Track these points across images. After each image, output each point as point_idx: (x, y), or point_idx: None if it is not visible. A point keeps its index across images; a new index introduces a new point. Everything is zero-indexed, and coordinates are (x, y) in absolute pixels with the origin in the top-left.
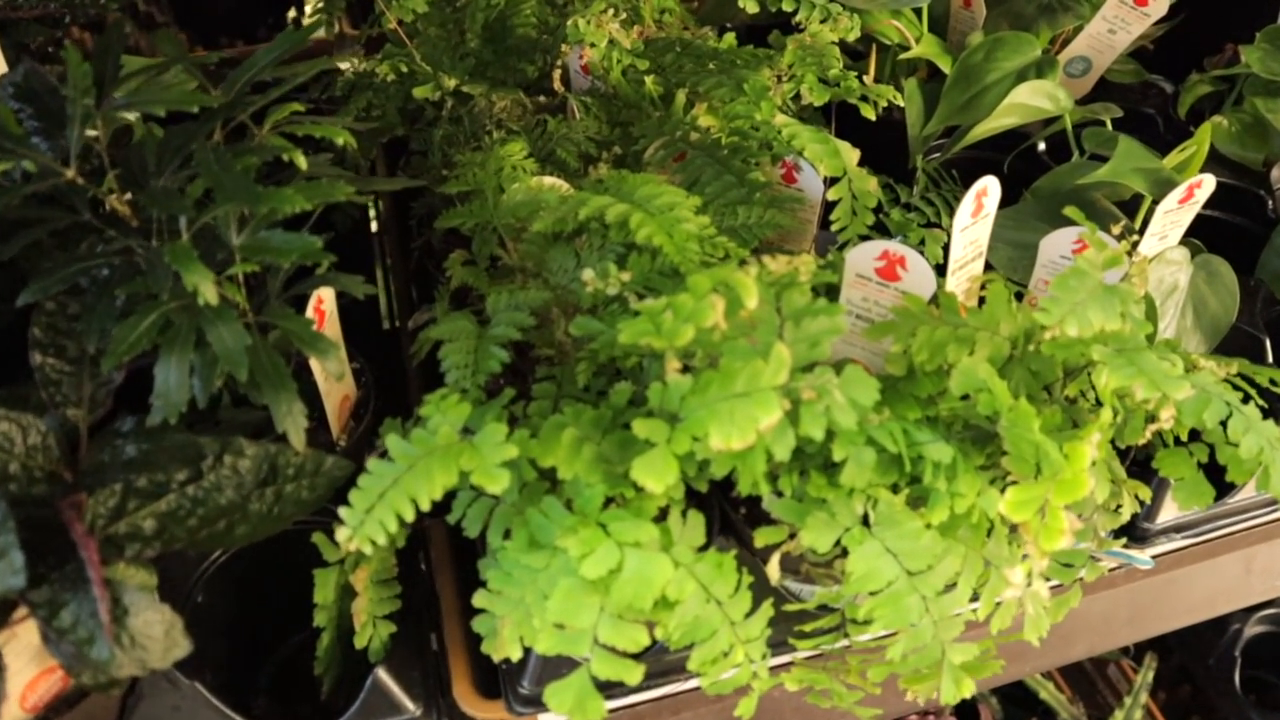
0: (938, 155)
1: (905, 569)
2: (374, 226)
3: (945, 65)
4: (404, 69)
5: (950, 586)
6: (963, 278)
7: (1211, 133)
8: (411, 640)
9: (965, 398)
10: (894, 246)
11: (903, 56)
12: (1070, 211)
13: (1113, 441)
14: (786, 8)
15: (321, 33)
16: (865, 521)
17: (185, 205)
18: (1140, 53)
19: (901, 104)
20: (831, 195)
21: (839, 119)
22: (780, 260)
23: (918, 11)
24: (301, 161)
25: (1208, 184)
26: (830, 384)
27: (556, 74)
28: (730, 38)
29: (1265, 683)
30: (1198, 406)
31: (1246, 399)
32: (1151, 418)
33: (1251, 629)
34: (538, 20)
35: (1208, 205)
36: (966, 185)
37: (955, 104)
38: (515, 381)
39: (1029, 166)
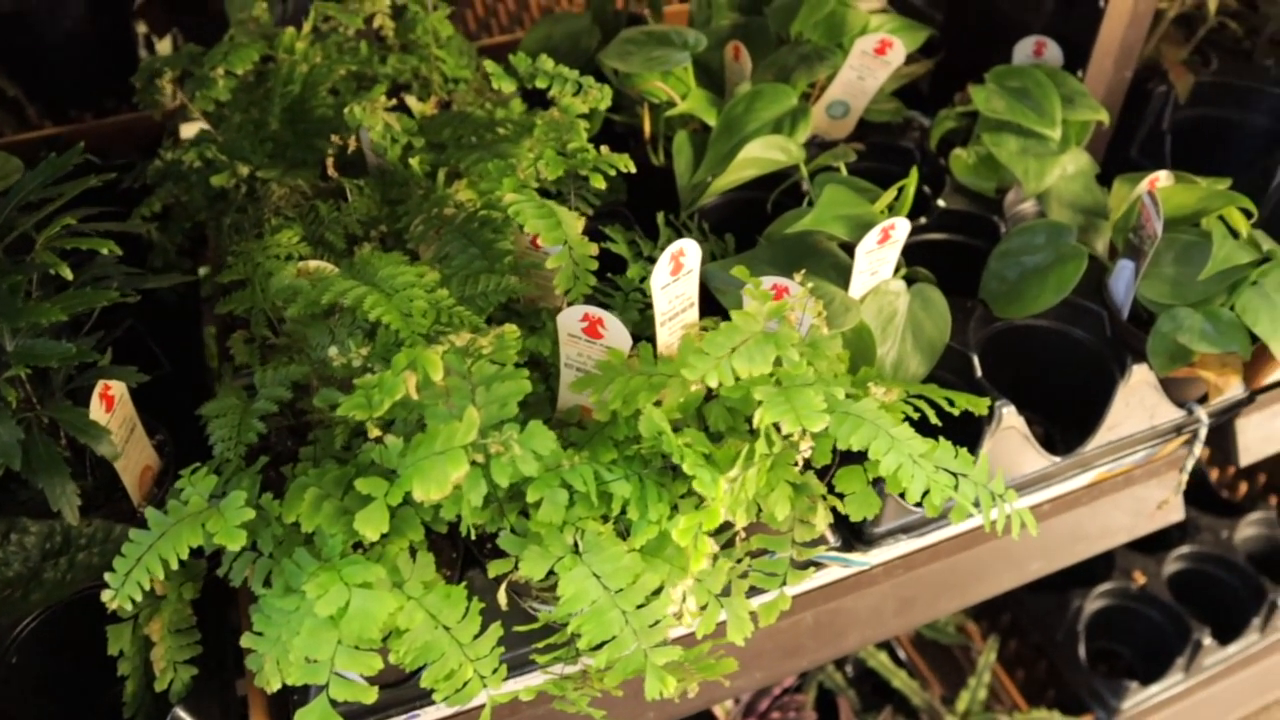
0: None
1: (607, 588)
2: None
3: (710, 118)
4: (209, 155)
5: (652, 598)
6: (675, 327)
7: (954, 164)
8: (215, 680)
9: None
10: (592, 310)
11: (668, 114)
12: (738, 271)
13: (808, 463)
14: (541, 85)
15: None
16: (578, 550)
17: None
18: (912, 90)
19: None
20: (551, 264)
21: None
22: (463, 336)
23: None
24: (66, 273)
25: (901, 226)
26: (512, 439)
27: (353, 143)
28: (516, 104)
29: (1116, 653)
30: (846, 431)
31: (925, 409)
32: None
33: (1092, 604)
34: (334, 102)
35: (952, 231)
36: (726, 229)
37: (720, 154)
38: (298, 443)
39: (792, 200)
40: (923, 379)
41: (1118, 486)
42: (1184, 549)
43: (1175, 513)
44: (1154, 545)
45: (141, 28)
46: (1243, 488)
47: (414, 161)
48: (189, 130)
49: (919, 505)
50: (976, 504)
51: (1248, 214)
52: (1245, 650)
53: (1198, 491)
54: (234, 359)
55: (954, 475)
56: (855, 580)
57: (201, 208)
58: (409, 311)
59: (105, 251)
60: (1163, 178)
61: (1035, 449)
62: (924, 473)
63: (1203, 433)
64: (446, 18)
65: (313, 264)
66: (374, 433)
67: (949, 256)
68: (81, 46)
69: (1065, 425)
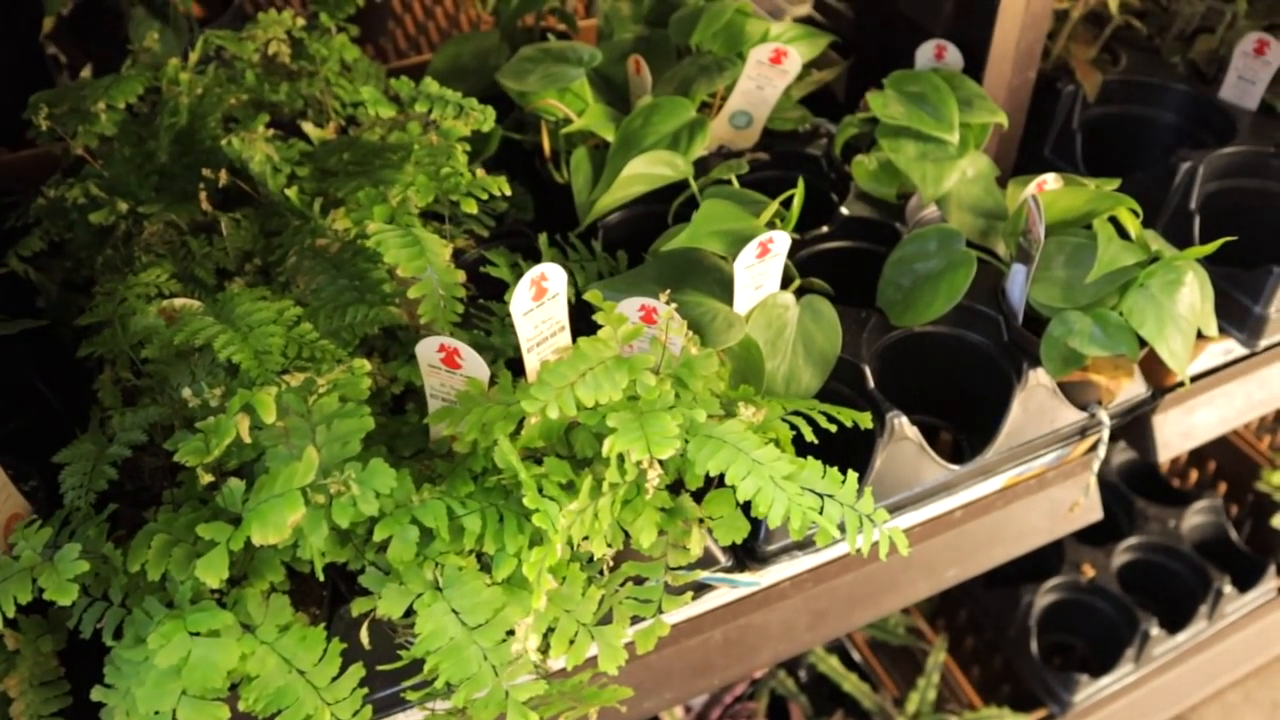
0: (616, 215)
1: (465, 624)
2: None
3: (608, 133)
4: (93, 191)
5: (510, 634)
6: (545, 352)
7: (855, 171)
8: None
9: None
10: (448, 340)
11: (564, 130)
12: (590, 296)
13: (682, 485)
14: (420, 109)
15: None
16: (439, 585)
17: None
18: (826, 95)
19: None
20: (413, 292)
21: (535, 183)
22: (297, 377)
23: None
24: None
25: (780, 239)
26: (352, 479)
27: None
28: (414, 127)
29: (1069, 646)
30: (705, 456)
31: (802, 425)
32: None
33: (1042, 599)
34: (225, 132)
35: (855, 238)
36: (629, 245)
37: (617, 169)
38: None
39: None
40: (815, 392)
41: (1031, 490)
42: (1132, 540)
43: (1092, 513)
44: (1103, 537)
45: (62, 58)
46: (1193, 475)
47: (291, 192)
48: None
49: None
50: (842, 526)
51: (1139, 215)
52: (1194, 639)
53: (1147, 481)
54: (102, 401)
55: (820, 496)
56: (764, 595)
57: (85, 245)
58: (266, 349)
59: None
60: (1050, 180)
61: (933, 459)
62: (785, 495)
63: (1106, 434)
64: (365, 40)
65: (179, 302)
66: (205, 478)
67: (853, 264)
68: None
69: (974, 431)
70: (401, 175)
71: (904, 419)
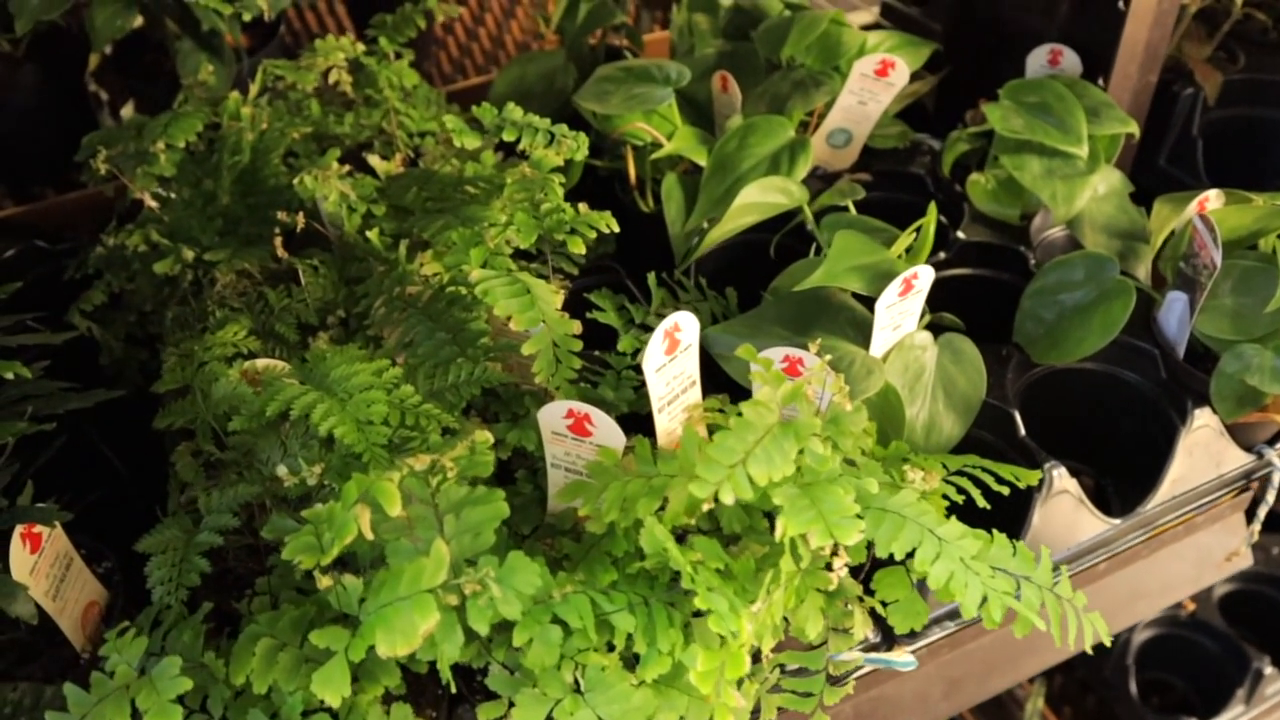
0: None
1: None
2: None
3: (700, 157)
4: (155, 237)
5: None
6: (675, 411)
7: (971, 191)
8: None
9: None
10: (577, 406)
11: (654, 156)
12: (744, 352)
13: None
14: (509, 138)
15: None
16: (579, 687)
17: None
18: (916, 109)
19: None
20: (527, 349)
21: (616, 211)
22: (423, 459)
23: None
24: None
25: (925, 274)
26: (490, 577)
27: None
28: (488, 156)
29: (1167, 684)
30: (887, 536)
31: (971, 489)
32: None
33: (1139, 635)
34: (287, 169)
35: (974, 265)
36: (725, 278)
37: (714, 196)
38: (259, 565)
39: (797, 241)
40: (958, 440)
41: (1178, 535)
42: None
43: (1244, 561)
44: None
45: (103, 94)
46: None
47: (372, 234)
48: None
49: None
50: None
51: None
52: None
53: None
54: (179, 474)
55: (1014, 578)
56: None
57: (148, 297)
58: (368, 419)
59: (11, 376)
60: (1212, 197)
61: (1092, 512)
62: (980, 580)
63: (1277, 477)
64: (411, 64)
65: (261, 363)
66: (324, 582)
67: (973, 294)
68: (35, 115)
69: (1113, 473)
70: (490, 212)
71: (1063, 470)
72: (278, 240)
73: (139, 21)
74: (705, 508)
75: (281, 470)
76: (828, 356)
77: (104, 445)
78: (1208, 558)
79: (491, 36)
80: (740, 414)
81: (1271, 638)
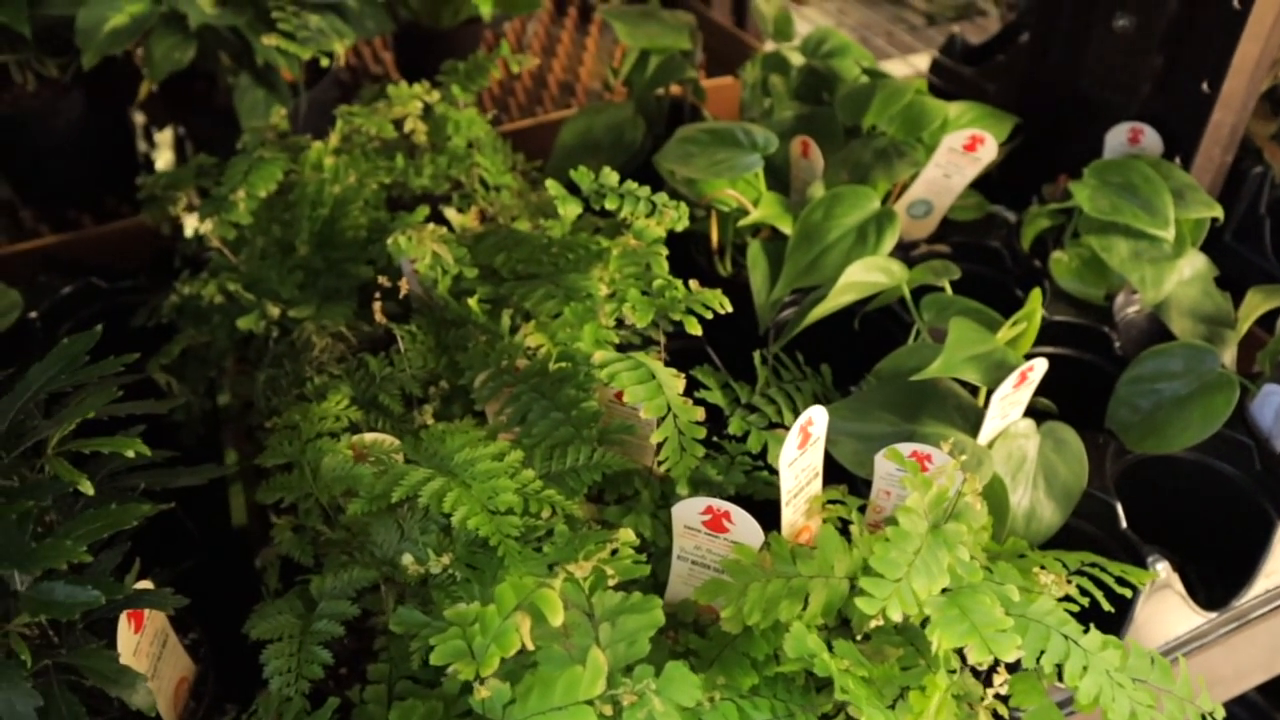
0: (788, 313)
1: None
2: None
3: (786, 226)
4: (231, 288)
5: None
6: (800, 503)
7: (1055, 269)
8: None
9: None
10: (716, 503)
11: (742, 223)
12: (891, 455)
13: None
14: (610, 206)
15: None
16: None
17: None
18: (984, 178)
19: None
20: (656, 437)
21: (691, 272)
22: (584, 566)
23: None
24: (87, 488)
25: (1039, 367)
26: (649, 688)
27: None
28: (572, 210)
29: None
30: (1034, 649)
31: (1094, 591)
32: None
33: None
34: (367, 221)
35: (1059, 344)
36: (814, 358)
37: (799, 266)
38: (361, 644)
39: (884, 316)
40: (1057, 529)
41: (1253, 622)
42: None
43: None
44: None
45: (139, 118)
46: None
47: (472, 302)
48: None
49: None
50: None
51: None
52: None
53: None
54: (278, 547)
55: (1154, 689)
56: None
57: (227, 350)
58: (494, 507)
59: (131, 454)
60: None
61: (1190, 607)
62: (1126, 694)
63: None
64: (474, 109)
65: (369, 437)
66: (481, 694)
67: (1057, 374)
68: (77, 142)
69: (1198, 559)
70: (590, 282)
71: (1167, 565)
72: (378, 305)
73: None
74: (873, 624)
75: (407, 559)
76: (963, 456)
77: (180, 509)
78: None
79: (534, 76)
80: (897, 522)
81: None
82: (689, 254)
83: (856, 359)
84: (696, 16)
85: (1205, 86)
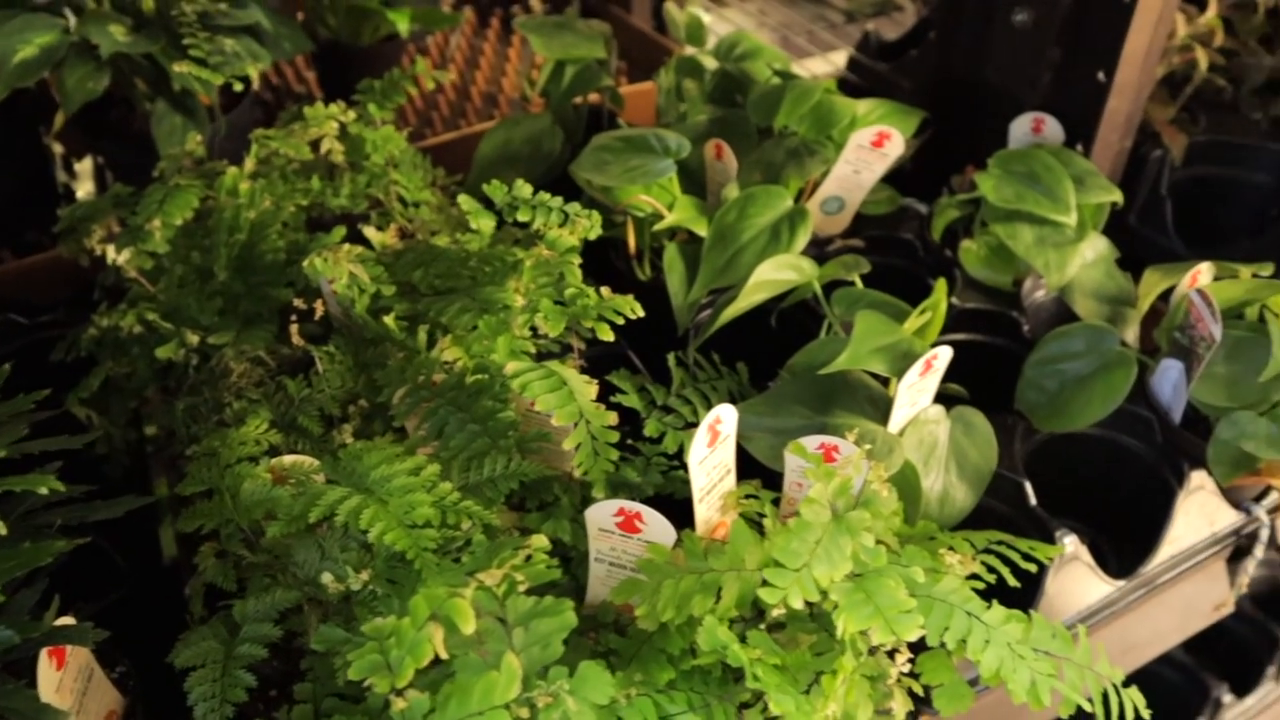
0: (707, 314)
1: None
2: None
3: (701, 228)
4: (150, 317)
5: None
6: (713, 500)
7: (964, 258)
8: None
9: None
10: (628, 505)
11: (657, 228)
12: (795, 449)
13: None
14: (523, 219)
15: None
16: None
17: None
18: (899, 171)
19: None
20: (568, 443)
21: (611, 278)
22: (495, 574)
23: None
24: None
25: (944, 354)
26: (563, 689)
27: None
28: (487, 224)
29: None
30: (938, 627)
31: (1001, 569)
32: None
33: None
34: (286, 244)
35: (970, 330)
36: (735, 357)
37: (715, 267)
38: (290, 666)
39: (802, 312)
40: (970, 510)
41: (1165, 588)
42: None
43: (1229, 609)
44: None
45: (58, 148)
46: None
47: (389, 320)
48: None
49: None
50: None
51: None
52: (1262, 701)
53: None
54: (203, 574)
55: (1056, 659)
56: None
57: (149, 380)
58: (411, 521)
59: (45, 490)
60: (1203, 270)
61: (1100, 577)
62: (1027, 665)
63: (1264, 533)
64: (392, 125)
65: (289, 459)
66: (399, 705)
67: (969, 359)
68: None
69: (1108, 530)
70: (506, 294)
71: (1075, 538)
72: (294, 327)
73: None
74: (776, 613)
75: (327, 577)
76: (867, 446)
77: (101, 539)
78: (1194, 608)
79: (457, 88)
80: (779, 513)
81: (1228, 664)
82: (610, 260)
83: (776, 355)
84: (617, 23)
85: (1101, 76)
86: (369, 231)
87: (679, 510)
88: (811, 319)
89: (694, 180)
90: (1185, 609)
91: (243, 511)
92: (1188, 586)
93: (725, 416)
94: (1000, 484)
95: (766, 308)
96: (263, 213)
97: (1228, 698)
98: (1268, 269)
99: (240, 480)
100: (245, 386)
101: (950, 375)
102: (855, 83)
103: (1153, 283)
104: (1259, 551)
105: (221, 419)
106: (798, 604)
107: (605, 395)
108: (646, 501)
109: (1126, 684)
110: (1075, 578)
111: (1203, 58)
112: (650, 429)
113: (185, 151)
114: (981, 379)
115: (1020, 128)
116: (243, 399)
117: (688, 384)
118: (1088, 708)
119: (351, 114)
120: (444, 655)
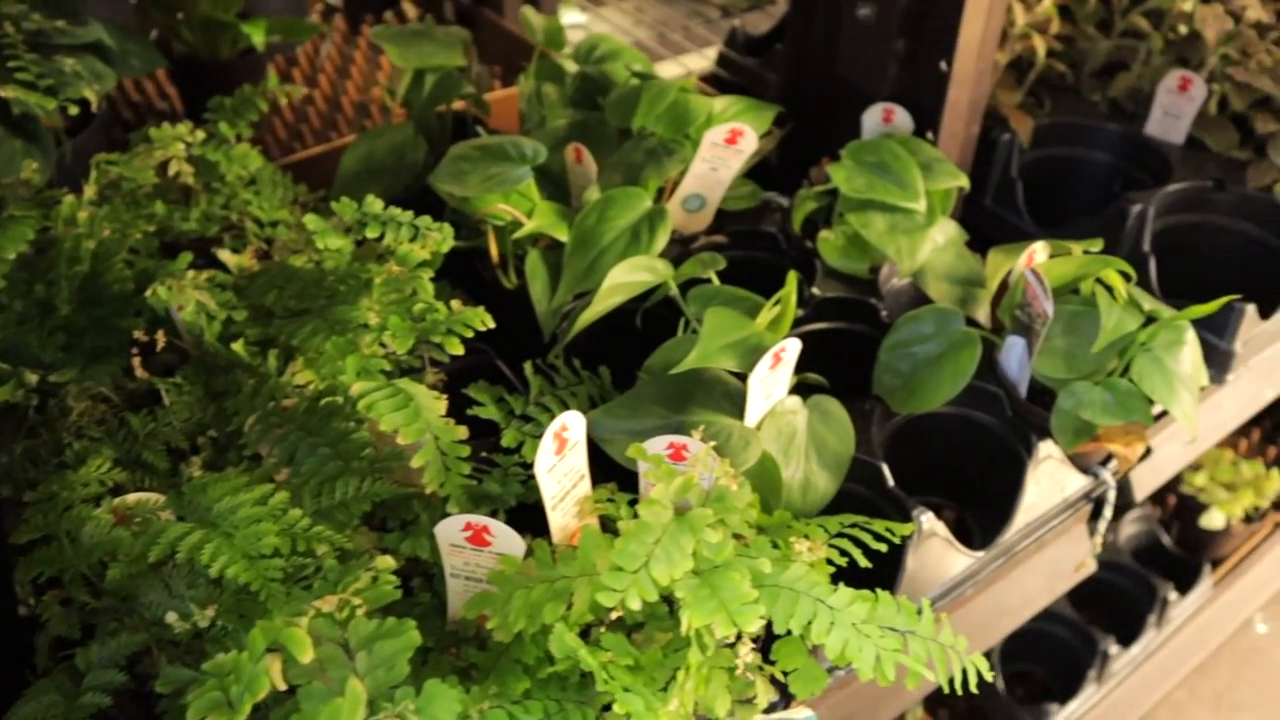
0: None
1: None
2: None
3: (562, 233)
4: None
5: None
6: (568, 505)
7: (822, 248)
8: None
9: None
10: (474, 519)
11: (516, 235)
12: (634, 451)
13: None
14: (371, 235)
15: None
16: None
17: None
18: (761, 165)
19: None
20: (416, 461)
21: (478, 287)
22: (330, 600)
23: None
24: None
25: (792, 346)
26: (409, 710)
27: (166, 334)
28: (346, 245)
29: (1025, 673)
30: (784, 614)
31: (853, 550)
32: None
33: None
34: (134, 273)
35: (831, 319)
36: (601, 360)
37: (577, 271)
38: (148, 712)
39: (667, 311)
40: (833, 496)
41: (1031, 554)
42: None
43: (1091, 568)
44: None
45: None
46: None
47: (238, 346)
48: None
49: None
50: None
51: (1125, 275)
52: (1146, 649)
53: None
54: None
55: (901, 634)
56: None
57: None
58: (259, 552)
59: None
60: (1039, 249)
61: (959, 550)
62: (871, 643)
63: (1111, 495)
64: (250, 142)
65: (132, 498)
66: None
67: (831, 347)
68: None
69: (972, 505)
70: (358, 312)
71: (931, 515)
72: (136, 360)
73: None
74: (613, 616)
75: (172, 617)
76: (712, 443)
77: None
78: (1058, 570)
79: (328, 99)
80: (635, 515)
81: (1113, 617)
82: (475, 270)
83: (643, 356)
84: (490, 27)
85: (943, 66)
86: (224, 255)
87: (544, 518)
88: (676, 318)
89: (557, 185)
90: (1050, 572)
91: (82, 555)
92: (1050, 551)
93: (572, 423)
94: (861, 468)
95: (631, 309)
96: (104, 241)
97: (1114, 649)
98: (1098, 244)
99: (80, 523)
100: (86, 425)
101: (814, 364)
102: (726, 78)
103: (997, 263)
104: (1108, 512)
105: (61, 460)
106: (635, 605)
107: (468, 407)
108: (512, 511)
109: (1010, 646)
110: (935, 553)
111: (1040, 44)
112: (508, 439)
113: (21, 180)
114: (844, 366)
115: (872, 119)
116: (84, 438)
117: (546, 391)
118: (932, 679)
119: (201, 133)
120: (281, 686)
